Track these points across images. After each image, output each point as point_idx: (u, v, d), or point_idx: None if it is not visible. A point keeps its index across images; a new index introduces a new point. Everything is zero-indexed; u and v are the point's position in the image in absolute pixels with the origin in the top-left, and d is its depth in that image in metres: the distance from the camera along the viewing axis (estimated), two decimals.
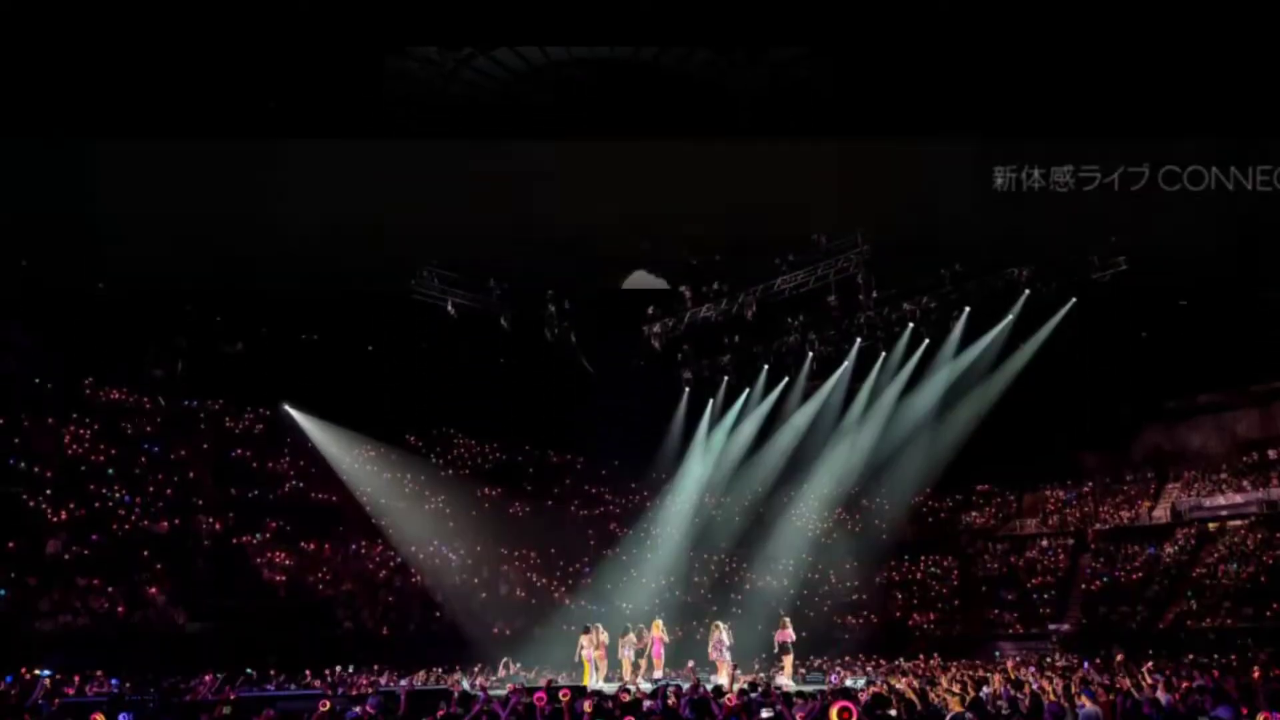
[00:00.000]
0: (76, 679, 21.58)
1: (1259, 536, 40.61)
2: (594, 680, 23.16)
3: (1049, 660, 32.11)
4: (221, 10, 23.30)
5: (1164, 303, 33.69)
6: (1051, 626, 41.37)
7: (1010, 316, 30.30)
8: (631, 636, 24.67)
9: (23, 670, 20.99)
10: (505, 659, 28.28)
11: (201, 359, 38.71)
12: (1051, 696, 15.03)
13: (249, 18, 23.44)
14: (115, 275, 32.09)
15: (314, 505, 38.67)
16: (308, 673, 26.25)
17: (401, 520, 38.70)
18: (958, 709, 13.23)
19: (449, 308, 31.02)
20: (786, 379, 36.14)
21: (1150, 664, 21.67)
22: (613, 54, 26.13)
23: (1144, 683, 17.29)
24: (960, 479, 50.58)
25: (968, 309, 30.57)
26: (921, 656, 34.69)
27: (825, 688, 19.87)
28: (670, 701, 14.30)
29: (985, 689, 17.14)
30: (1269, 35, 23.07)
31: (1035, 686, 17.05)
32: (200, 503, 34.84)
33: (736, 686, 17.68)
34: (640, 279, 33.74)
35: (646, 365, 33.54)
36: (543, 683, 19.41)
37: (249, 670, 23.92)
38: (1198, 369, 40.34)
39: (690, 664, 26.25)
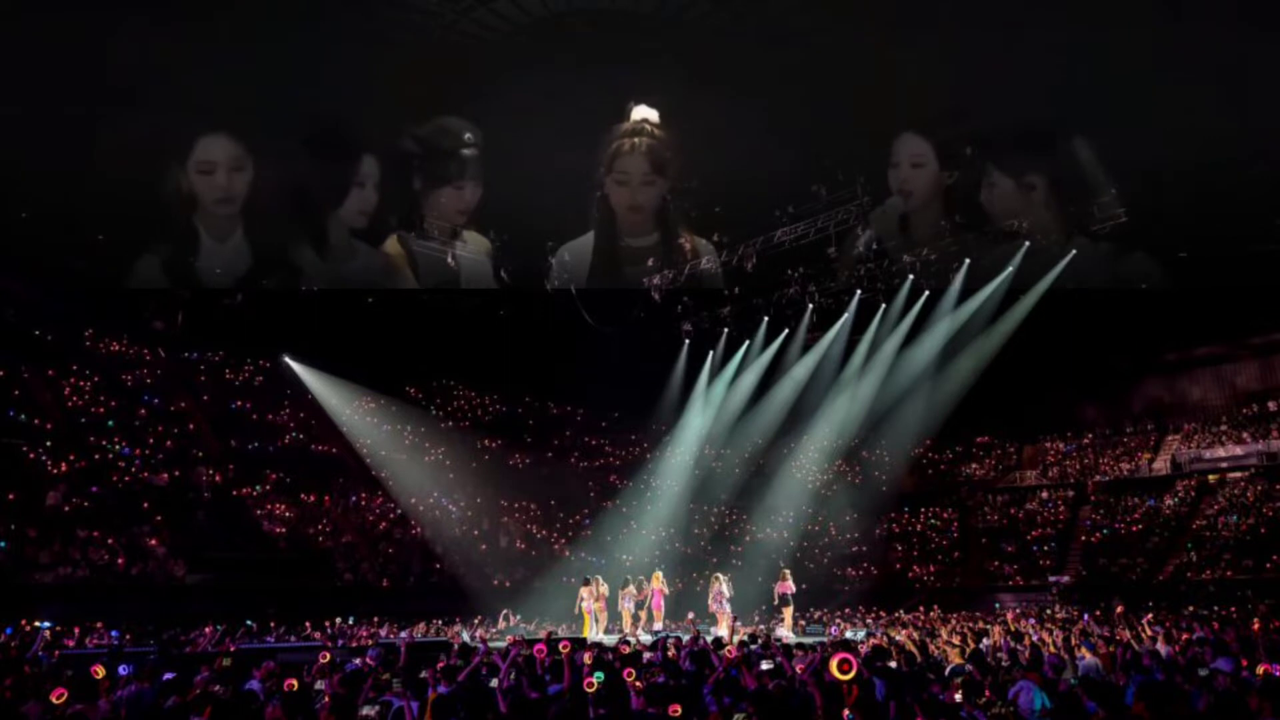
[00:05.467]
0: (76, 631, 21.68)
1: (1259, 488, 40.78)
2: (594, 632, 23.22)
3: (1049, 612, 32.21)
4: None
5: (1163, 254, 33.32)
6: (1051, 578, 41.50)
7: (1010, 268, 30.01)
8: (631, 588, 24.74)
9: (23, 622, 21.11)
10: (505, 611, 28.45)
11: (201, 310, 38.48)
12: (1052, 648, 15.06)
13: None
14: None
15: (314, 457, 38.79)
16: (308, 624, 26.43)
17: (401, 472, 38.80)
18: (958, 661, 13.26)
19: (449, 259, 30.75)
20: (786, 331, 35.94)
21: (1150, 616, 21.72)
22: (613, 5, 25.73)
23: (1144, 635, 17.33)
24: (960, 431, 50.76)
25: (967, 260, 30.31)
26: (921, 608, 34.83)
27: (825, 640, 19.91)
28: (670, 653, 14.31)
29: (985, 641, 17.19)
30: None
31: (1035, 638, 17.10)
32: (200, 454, 34.89)
33: (736, 638, 17.69)
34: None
35: (646, 317, 33.20)
36: (543, 635, 19.48)
37: (249, 622, 24.04)
38: (1197, 320, 40.10)
39: (690, 616, 26.46)
